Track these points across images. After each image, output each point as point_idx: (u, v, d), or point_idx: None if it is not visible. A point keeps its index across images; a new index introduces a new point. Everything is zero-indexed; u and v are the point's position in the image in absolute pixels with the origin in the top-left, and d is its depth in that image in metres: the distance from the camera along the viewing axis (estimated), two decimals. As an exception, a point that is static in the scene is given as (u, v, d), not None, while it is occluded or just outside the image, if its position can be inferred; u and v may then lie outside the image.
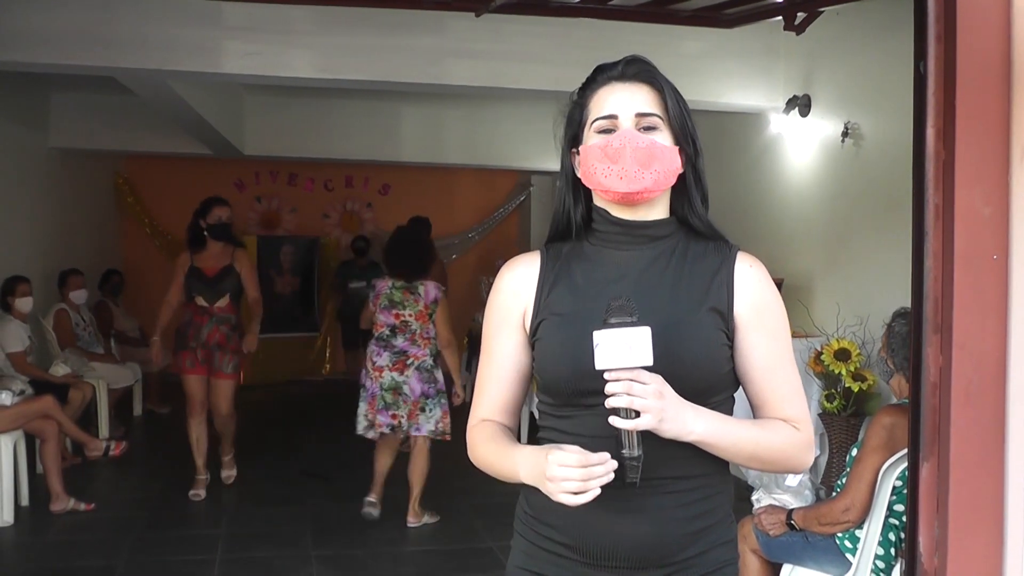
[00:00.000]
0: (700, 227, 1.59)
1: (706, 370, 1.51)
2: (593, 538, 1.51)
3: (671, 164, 1.54)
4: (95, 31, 4.78)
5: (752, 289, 1.56)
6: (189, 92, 6.14)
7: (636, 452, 1.40)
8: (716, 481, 1.57)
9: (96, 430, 6.73)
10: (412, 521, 5.05)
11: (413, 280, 4.95)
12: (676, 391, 1.44)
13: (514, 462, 1.52)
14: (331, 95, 8.02)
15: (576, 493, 1.38)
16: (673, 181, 1.56)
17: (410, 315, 4.92)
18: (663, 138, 1.54)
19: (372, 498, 5.10)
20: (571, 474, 1.38)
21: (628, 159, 1.50)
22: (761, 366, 1.55)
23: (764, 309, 1.56)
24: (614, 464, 1.39)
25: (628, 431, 1.40)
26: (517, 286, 1.64)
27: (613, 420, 1.40)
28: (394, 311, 4.94)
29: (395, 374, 4.89)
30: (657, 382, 1.41)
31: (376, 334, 4.99)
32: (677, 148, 1.55)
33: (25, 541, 4.89)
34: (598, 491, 1.38)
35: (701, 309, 1.53)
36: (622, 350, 1.38)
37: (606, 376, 1.40)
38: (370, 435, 5.00)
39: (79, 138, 8.16)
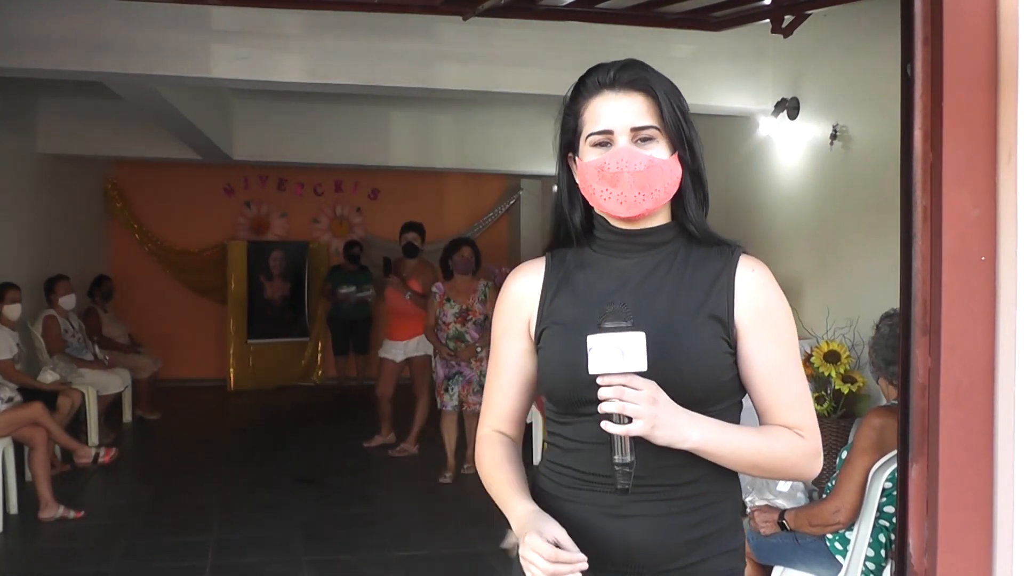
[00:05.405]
0: (696, 232, 1.56)
1: (704, 378, 1.49)
2: (587, 543, 1.49)
3: (671, 177, 1.51)
4: (82, 36, 4.74)
5: (754, 294, 1.54)
6: (177, 97, 6.12)
7: (628, 458, 1.39)
8: (719, 488, 1.53)
9: (85, 437, 6.70)
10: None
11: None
12: (674, 398, 1.42)
13: (508, 510, 1.52)
14: (320, 99, 8.00)
15: None
16: (674, 191, 1.53)
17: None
18: (660, 149, 1.51)
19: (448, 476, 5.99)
20: (538, 562, 1.36)
21: (627, 184, 1.48)
22: (764, 372, 1.52)
23: (766, 314, 1.54)
24: (583, 565, 1.36)
25: (620, 437, 1.38)
26: (522, 294, 1.63)
27: (605, 425, 1.39)
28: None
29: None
30: (651, 388, 1.39)
31: (475, 320, 6.01)
32: (676, 154, 1.52)
33: (15, 549, 4.86)
34: None
35: (700, 316, 1.51)
36: (615, 355, 1.37)
37: (599, 381, 1.39)
38: (449, 407, 5.96)
39: (67, 143, 8.11)
